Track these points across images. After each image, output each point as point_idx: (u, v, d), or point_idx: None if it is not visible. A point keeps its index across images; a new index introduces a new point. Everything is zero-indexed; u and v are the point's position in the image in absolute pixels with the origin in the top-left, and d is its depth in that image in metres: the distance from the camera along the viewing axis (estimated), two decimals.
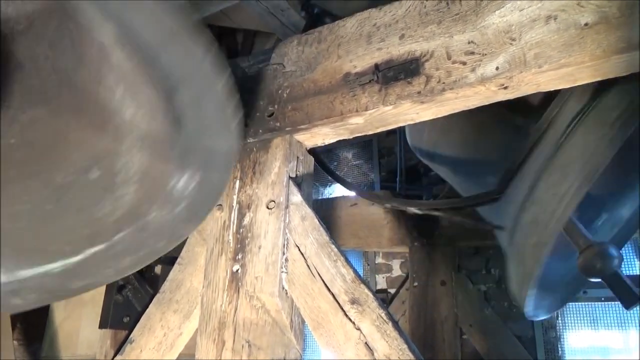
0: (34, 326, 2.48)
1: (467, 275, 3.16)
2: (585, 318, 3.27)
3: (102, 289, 1.99)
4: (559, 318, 3.31)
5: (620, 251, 1.52)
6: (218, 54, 0.78)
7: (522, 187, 1.52)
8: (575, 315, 3.29)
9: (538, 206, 1.42)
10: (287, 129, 1.27)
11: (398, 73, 1.12)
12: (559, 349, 3.24)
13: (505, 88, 1.02)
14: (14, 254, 1.04)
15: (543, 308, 1.89)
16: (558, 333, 3.27)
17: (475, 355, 2.98)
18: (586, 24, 0.92)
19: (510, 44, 0.99)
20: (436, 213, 1.77)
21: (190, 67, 0.80)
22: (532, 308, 1.73)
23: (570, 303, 3.29)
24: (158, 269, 2.04)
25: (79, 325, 2.15)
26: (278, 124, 1.29)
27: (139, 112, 0.88)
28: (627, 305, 1.54)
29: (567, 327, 3.30)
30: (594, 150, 1.30)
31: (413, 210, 1.70)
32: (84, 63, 0.90)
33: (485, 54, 1.02)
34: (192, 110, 0.88)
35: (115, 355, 1.46)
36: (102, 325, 1.96)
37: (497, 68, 1.00)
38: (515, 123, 1.63)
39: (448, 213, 1.78)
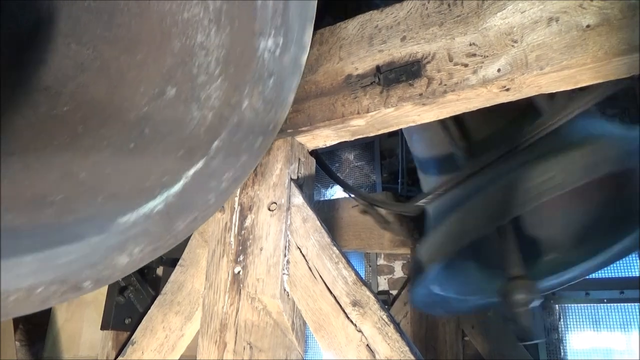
0: (36, 327, 2.48)
1: None
2: (587, 320, 3.26)
3: (104, 290, 1.99)
4: (561, 320, 3.30)
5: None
6: None
7: (439, 205, 1.64)
8: (577, 316, 3.29)
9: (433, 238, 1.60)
10: (289, 130, 1.27)
11: (399, 75, 1.12)
12: (562, 350, 3.23)
13: (507, 90, 1.02)
14: (110, 201, 0.96)
15: (419, 296, 1.96)
16: (560, 335, 3.27)
17: (477, 357, 2.97)
18: (588, 26, 0.92)
19: (512, 45, 0.99)
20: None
21: None
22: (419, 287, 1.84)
23: (573, 305, 3.28)
24: (160, 271, 2.04)
25: (81, 326, 2.15)
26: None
27: None
28: (521, 339, 1.78)
29: (569, 329, 3.29)
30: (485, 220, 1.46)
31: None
32: None
33: (487, 56, 1.02)
34: None
35: (117, 356, 1.46)
36: (104, 326, 1.97)
37: (498, 70, 1.00)
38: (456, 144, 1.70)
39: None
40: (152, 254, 1.02)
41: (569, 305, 3.29)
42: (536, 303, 1.68)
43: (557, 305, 3.29)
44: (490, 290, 1.94)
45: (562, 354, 3.22)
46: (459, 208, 1.55)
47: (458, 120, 1.68)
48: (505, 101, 1.07)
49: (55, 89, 1.02)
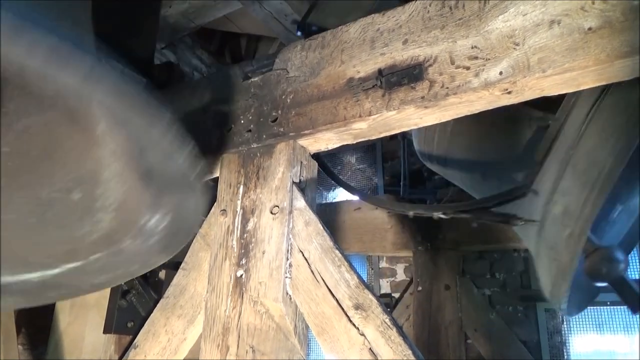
0: (39, 330, 2.48)
1: (472, 280, 3.15)
2: (590, 322, 3.25)
3: (107, 293, 1.99)
4: (564, 322, 3.29)
5: (627, 256, 1.51)
6: (178, 131, 0.89)
7: (546, 181, 1.51)
8: (580, 319, 3.27)
9: (568, 196, 1.40)
10: (291, 134, 1.27)
11: (401, 78, 1.13)
12: (565, 353, 3.22)
13: (509, 93, 1.02)
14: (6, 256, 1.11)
15: (575, 303, 1.85)
16: (564, 337, 3.25)
17: None
18: (590, 29, 0.92)
19: (514, 48, 0.99)
20: (464, 215, 1.73)
21: (155, 137, 0.87)
22: (568, 304, 1.71)
23: None
24: (162, 274, 2.05)
25: (83, 330, 2.15)
26: (282, 129, 1.29)
27: (117, 151, 0.92)
28: (634, 309, 1.52)
29: (572, 332, 3.27)
30: (619, 132, 1.29)
31: (438, 215, 1.68)
32: None
33: (489, 59, 1.02)
34: (158, 168, 0.95)
35: None
36: (107, 330, 1.97)
37: (500, 73, 1.00)
38: (531, 116, 1.62)
39: (476, 214, 1.74)
40: (28, 304, 1.32)
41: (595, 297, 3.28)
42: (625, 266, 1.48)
43: None
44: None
45: (565, 356, 3.20)
46: None
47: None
48: (507, 104, 1.07)
49: (9, 118, 1.09)
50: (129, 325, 1.96)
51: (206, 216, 1.40)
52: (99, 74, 0.68)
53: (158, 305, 1.44)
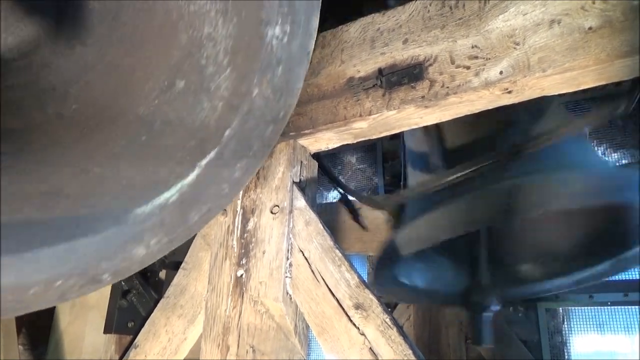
0: (39, 330, 2.48)
1: None
2: (591, 322, 3.25)
3: (107, 293, 1.99)
4: (565, 322, 3.29)
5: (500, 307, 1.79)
6: None
7: None
8: (581, 319, 3.27)
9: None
10: (291, 133, 1.27)
11: (402, 78, 1.13)
12: (565, 353, 3.21)
13: (510, 92, 1.02)
14: (124, 193, 0.98)
15: (383, 280, 1.96)
16: (564, 337, 3.25)
17: None
18: (590, 28, 0.92)
19: (514, 48, 0.99)
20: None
21: None
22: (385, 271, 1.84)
23: (577, 307, 3.27)
24: (162, 274, 2.05)
25: (84, 330, 2.15)
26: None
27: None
28: (475, 342, 1.85)
29: (573, 332, 3.27)
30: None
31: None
32: None
33: (489, 59, 1.02)
34: None
35: None
36: (107, 330, 1.97)
37: (501, 72, 1.00)
38: None
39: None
40: (168, 246, 1.03)
41: (573, 308, 3.28)
42: (493, 310, 1.77)
43: (560, 308, 3.28)
44: (457, 289, 1.99)
45: (565, 356, 3.20)
46: (438, 207, 1.56)
47: (438, 125, 1.69)
48: (507, 103, 1.07)
49: (62, 90, 1.05)
50: (130, 325, 1.96)
51: None
52: None
53: (158, 305, 1.44)
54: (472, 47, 1.04)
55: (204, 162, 1.00)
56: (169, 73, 0.99)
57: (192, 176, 1.00)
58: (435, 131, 1.73)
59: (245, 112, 0.99)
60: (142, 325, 1.45)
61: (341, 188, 2.02)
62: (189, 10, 0.95)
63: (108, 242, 0.93)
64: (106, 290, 1.99)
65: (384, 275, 1.93)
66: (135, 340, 1.45)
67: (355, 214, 2.49)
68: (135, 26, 1.03)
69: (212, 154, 1.00)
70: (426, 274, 2.09)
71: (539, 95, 1.03)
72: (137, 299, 1.95)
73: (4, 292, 0.83)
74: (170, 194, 0.99)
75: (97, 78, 1.05)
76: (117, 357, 1.92)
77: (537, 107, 1.48)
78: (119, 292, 1.96)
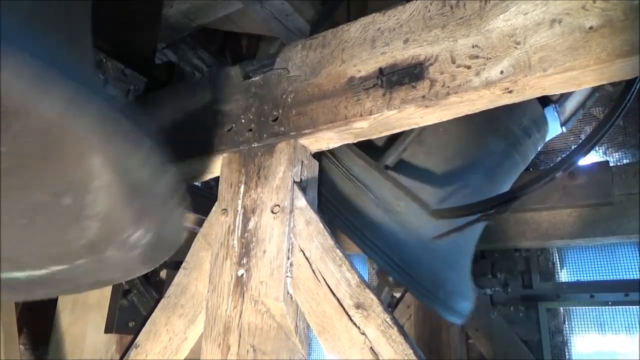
0: (40, 330, 2.48)
1: (473, 280, 3.15)
2: (592, 322, 3.25)
3: (108, 293, 1.99)
4: (566, 322, 3.29)
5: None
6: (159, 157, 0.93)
7: None
8: (582, 319, 3.27)
9: None
10: (292, 133, 1.27)
11: (402, 77, 1.13)
12: (566, 353, 3.21)
13: (510, 92, 1.02)
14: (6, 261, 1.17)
15: None
16: (565, 337, 3.25)
17: None
18: (591, 28, 0.92)
19: (515, 47, 0.99)
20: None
21: (137, 161, 0.92)
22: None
23: (578, 307, 3.27)
24: (163, 274, 2.05)
25: (85, 330, 2.15)
26: (282, 129, 1.29)
27: (106, 164, 0.96)
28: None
29: (574, 332, 3.27)
30: None
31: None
32: None
33: (490, 58, 1.02)
34: (141, 189, 1.00)
35: (120, 359, 1.46)
36: (108, 329, 1.97)
37: (501, 72, 1.00)
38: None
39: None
40: (14, 299, 1.39)
41: (574, 307, 3.27)
42: None
43: (561, 308, 3.28)
44: None
45: (566, 356, 3.20)
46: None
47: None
48: (508, 103, 1.07)
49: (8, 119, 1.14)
50: (130, 324, 1.96)
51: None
52: (81, 101, 0.68)
53: (159, 304, 1.44)
54: (473, 47, 1.04)
55: (54, 268, 1.20)
56: (65, 184, 1.10)
57: (42, 272, 1.21)
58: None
59: (99, 259, 1.18)
60: (143, 324, 1.45)
61: None
62: (93, 162, 1.07)
63: None
64: (107, 290, 2.00)
65: None
66: (136, 340, 1.45)
67: None
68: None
69: (62, 267, 1.20)
70: None
71: (540, 95, 1.03)
72: (137, 298, 1.95)
73: None
74: (20, 275, 1.22)
75: (26, 136, 1.16)
76: (118, 356, 1.92)
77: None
78: (120, 292, 1.96)
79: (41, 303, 2.42)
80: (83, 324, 2.17)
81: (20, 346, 2.40)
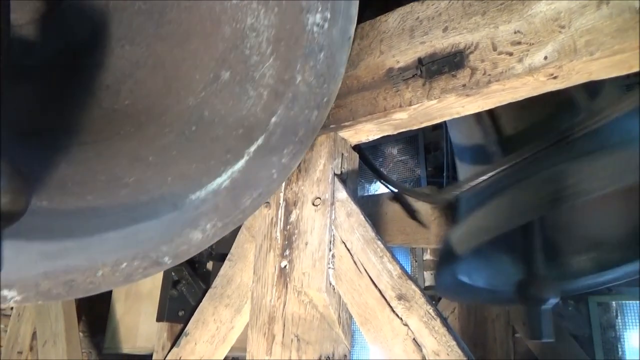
0: (97, 319, 2.63)
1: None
2: None
3: (159, 284, 2.08)
4: (619, 317, 3.15)
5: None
6: None
7: None
8: (635, 314, 3.12)
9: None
10: (332, 126, 1.29)
11: (442, 66, 1.11)
12: (619, 349, 3.08)
13: (555, 78, 0.99)
14: (179, 180, 1.07)
15: (445, 283, 1.96)
16: (618, 332, 3.11)
17: (529, 355, 2.88)
18: None
19: (559, 31, 0.96)
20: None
21: None
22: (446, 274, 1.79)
23: (631, 302, 3.13)
24: (210, 265, 2.11)
25: (138, 319, 2.26)
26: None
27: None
28: (530, 337, 1.77)
29: (627, 327, 3.13)
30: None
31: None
32: None
33: (533, 44, 0.99)
34: None
35: (172, 347, 1.53)
36: (159, 318, 2.06)
37: (545, 57, 0.97)
38: None
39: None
40: (223, 230, 1.10)
41: (627, 302, 3.13)
42: (552, 302, 1.69)
43: (614, 302, 3.14)
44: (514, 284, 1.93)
45: (619, 352, 3.07)
46: (490, 200, 1.52)
47: (492, 113, 1.65)
48: (553, 89, 1.03)
49: (115, 87, 1.12)
50: (180, 314, 2.04)
51: None
52: None
53: (206, 295, 1.50)
54: (515, 33, 1.02)
55: (252, 149, 1.06)
56: (214, 65, 1.04)
57: (241, 163, 1.06)
58: (489, 119, 1.68)
59: (290, 99, 1.04)
60: (192, 314, 1.51)
61: (383, 180, 2.01)
62: (231, 3, 0.99)
63: (166, 226, 1.01)
64: (158, 281, 2.08)
65: (446, 275, 1.91)
66: (186, 329, 1.51)
67: (409, 210, 2.45)
68: (179, 23, 1.09)
69: (259, 141, 1.05)
70: (485, 272, 2.05)
71: (587, 80, 0.99)
72: (186, 289, 2.02)
73: (76, 272, 0.90)
74: (222, 180, 1.05)
75: (146, 74, 1.11)
76: (169, 344, 2.00)
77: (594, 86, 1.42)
78: (170, 283, 2.04)
79: (97, 294, 2.56)
80: (136, 313, 2.27)
81: (80, 333, 2.55)
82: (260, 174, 1.10)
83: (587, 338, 3.07)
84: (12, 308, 2.55)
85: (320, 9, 0.97)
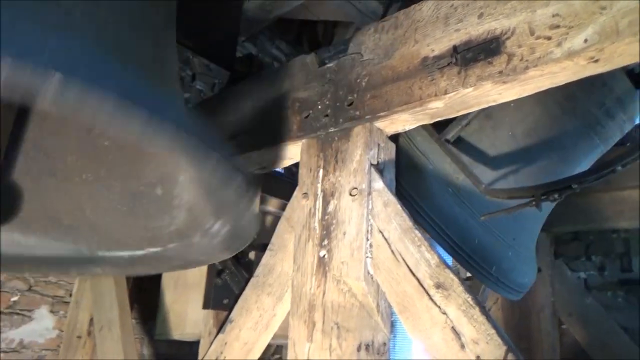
0: (148, 307, 2.76)
1: (565, 262, 2.98)
2: None
3: (205, 273, 2.17)
4: None
5: None
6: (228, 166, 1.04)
7: None
8: None
9: None
10: (367, 116, 1.30)
11: (477, 54, 1.10)
12: None
13: (596, 61, 0.96)
14: (99, 238, 1.39)
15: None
16: None
17: (576, 347, 2.79)
18: None
19: (600, 13, 0.93)
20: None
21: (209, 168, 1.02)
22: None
23: None
24: (252, 255, 2.18)
25: (186, 307, 2.36)
26: (358, 113, 1.32)
27: (189, 163, 1.09)
28: None
29: None
30: None
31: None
32: None
33: (572, 27, 0.96)
34: (217, 190, 1.13)
35: (217, 333, 1.60)
36: (205, 306, 2.15)
37: (585, 40, 0.94)
38: None
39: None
40: (116, 274, 1.73)
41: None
42: None
43: None
44: None
45: None
46: None
47: None
48: (594, 73, 1.00)
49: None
50: (225, 302, 2.12)
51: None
52: (154, 126, 0.80)
53: (249, 283, 1.55)
54: (553, 16, 0.99)
55: (150, 250, 1.39)
56: (158, 177, 1.29)
57: (140, 253, 1.41)
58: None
59: (186, 244, 1.33)
60: (236, 302, 1.57)
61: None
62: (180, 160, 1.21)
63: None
64: (204, 270, 2.17)
65: None
66: (230, 316, 1.57)
67: None
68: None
69: (157, 249, 1.38)
70: None
71: (630, 62, 0.96)
72: (230, 278, 2.10)
73: None
74: (123, 254, 1.42)
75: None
76: (215, 330, 2.09)
77: None
78: (214, 272, 2.12)
79: (148, 283, 2.69)
80: (184, 301, 2.37)
81: (132, 320, 2.69)
82: (152, 263, 1.49)
83: (638, 330, 2.94)
84: (70, 295, 2.71)
85: (219, 223, 1.24)
